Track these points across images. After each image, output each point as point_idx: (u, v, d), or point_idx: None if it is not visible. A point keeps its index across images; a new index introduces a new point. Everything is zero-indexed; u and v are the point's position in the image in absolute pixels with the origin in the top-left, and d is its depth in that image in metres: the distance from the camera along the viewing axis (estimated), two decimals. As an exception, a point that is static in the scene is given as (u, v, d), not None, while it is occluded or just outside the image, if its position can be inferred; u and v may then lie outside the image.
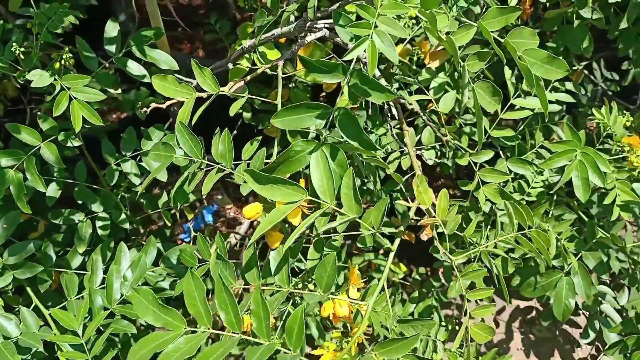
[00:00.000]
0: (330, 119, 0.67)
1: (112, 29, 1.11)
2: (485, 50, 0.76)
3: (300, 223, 0.65)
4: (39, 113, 1.12)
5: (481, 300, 0.88)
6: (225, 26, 1.86)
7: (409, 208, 0.72)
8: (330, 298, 0.71)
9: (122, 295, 1.08)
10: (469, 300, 0.73)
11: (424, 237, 0.78)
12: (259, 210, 0.69)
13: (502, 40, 0.65)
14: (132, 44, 1.11)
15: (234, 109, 0.81)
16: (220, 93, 0.82)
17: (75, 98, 0.97)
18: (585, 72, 1.70)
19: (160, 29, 1.15)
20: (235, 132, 1.78)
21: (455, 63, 0.69)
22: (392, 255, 0.68)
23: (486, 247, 0.76)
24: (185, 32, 1.98)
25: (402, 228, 0.73)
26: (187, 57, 2.01)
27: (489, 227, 1.13)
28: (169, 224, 1.46)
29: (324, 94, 1.70)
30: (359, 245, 0.72)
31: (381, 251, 1.64)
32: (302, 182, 0.70)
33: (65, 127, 1.16)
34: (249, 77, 0.86)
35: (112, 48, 1.10)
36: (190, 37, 2.04)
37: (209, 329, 0.58)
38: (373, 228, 0.69)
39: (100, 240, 1.35)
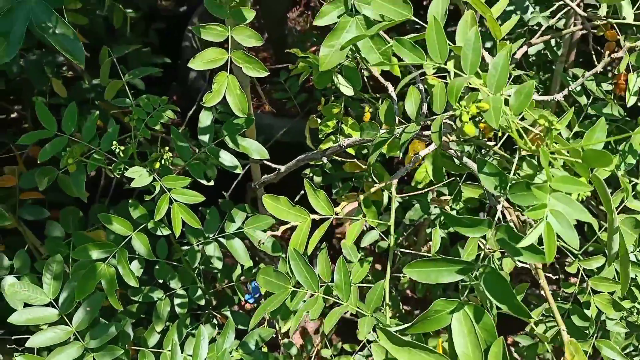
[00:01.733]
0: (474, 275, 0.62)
1: (206, 118, 1.09)
2: (626, 188, 0.71)
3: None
4: (130, 200, 1.11)
5: None
6: (294, 85, 1.84)
7: None
8: None
9: (207, 390, 1.06)
10: None
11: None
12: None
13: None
14: (224, 133, 1.09)
15: (350, 238, 0.77)
16: (335, 216, 0.78)
17: (176, 201, 0.95)
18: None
19: (251, 116, 1.13)
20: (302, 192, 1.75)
21: (608, 211, 0.64)
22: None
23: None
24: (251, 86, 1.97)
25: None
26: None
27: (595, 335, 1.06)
28: (243, 299, 1.43)
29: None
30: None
31: None
32: (439, 343, 0.65)
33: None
34: (362, 197, 0.82)
35: (205, 138, 1.08)
36: (255, 92, 2.02)
37: None
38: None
39: (174, 314, 1.34)
